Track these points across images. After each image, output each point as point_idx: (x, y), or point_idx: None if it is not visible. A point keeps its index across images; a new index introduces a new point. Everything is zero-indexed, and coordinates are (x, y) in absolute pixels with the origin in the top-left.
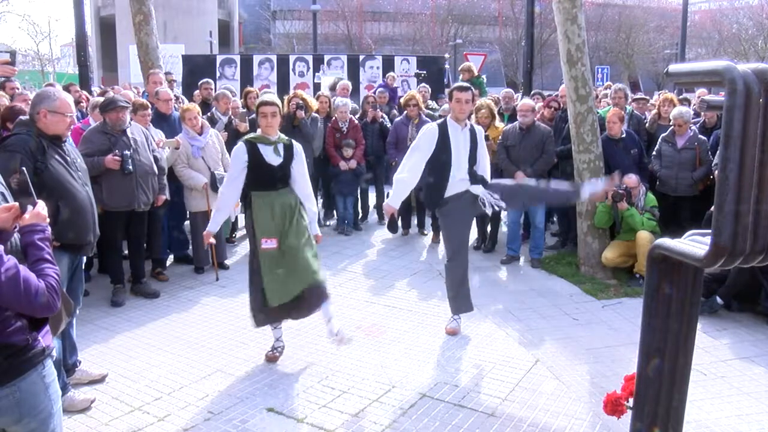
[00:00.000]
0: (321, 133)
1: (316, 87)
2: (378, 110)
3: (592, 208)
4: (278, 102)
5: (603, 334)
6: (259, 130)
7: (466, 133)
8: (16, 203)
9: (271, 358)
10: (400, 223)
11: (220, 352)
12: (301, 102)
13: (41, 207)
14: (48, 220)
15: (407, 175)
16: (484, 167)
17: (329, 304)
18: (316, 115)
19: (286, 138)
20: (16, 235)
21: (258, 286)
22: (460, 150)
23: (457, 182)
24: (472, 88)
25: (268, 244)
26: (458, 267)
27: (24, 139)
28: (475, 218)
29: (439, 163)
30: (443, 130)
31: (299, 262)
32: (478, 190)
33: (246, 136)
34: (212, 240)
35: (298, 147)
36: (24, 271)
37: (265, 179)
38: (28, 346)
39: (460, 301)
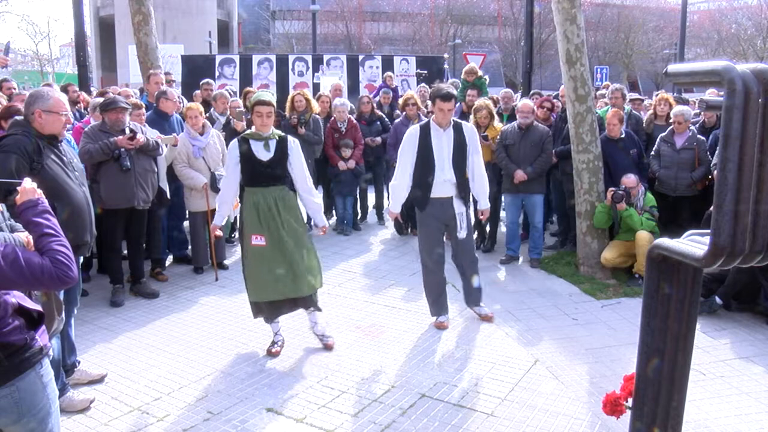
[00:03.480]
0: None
1: (316, 87)
2: (371, 104)
3: (591, 208)
4: (274, 102)
5: (602, 334)
6: (254, 127)
7: (449, 133)
8: None
9: (273, 353)
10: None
11: (219, 352)
12: (302, 117)
13: (27, 182)
14: (38, 191)
15: (398, 180)
16: (473, 165)
17: (316, 314)
18: (317, 116)
19: (280, 133)
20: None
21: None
22: (443, 150)
23: (442, 183)
24: (455, 95)
25: (257, 240)
26: (428, 275)
27: (20, 140)
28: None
29: (422, 165)
30: (425, 131)
31: (295, 268)
32: (460, 207)
33: (243, 133)
34: (219, 233)
35: (292, 142)
36: (24, 252)
37: (254, 174)
38: (26, 346)
39: (432, 305)
